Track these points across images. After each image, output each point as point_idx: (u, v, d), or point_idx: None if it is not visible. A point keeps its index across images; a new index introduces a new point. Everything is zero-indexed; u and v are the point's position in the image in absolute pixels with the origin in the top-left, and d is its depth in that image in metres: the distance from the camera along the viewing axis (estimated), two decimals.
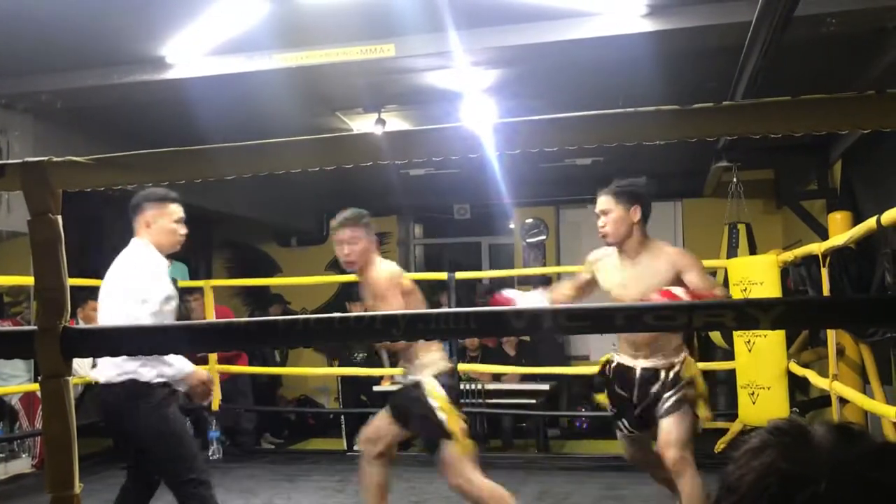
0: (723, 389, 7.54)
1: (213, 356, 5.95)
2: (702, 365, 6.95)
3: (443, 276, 6.07)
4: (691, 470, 3.23)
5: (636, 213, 3.30)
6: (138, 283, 3.16)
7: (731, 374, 5.94)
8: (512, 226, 9.79)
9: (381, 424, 3.62)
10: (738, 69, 4.45)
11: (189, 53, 4.86)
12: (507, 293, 3.34)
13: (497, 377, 6.95)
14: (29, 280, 5.26)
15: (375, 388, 6.91)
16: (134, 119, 6.11)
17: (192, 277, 7.37)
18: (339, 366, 8.01)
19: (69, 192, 1.54)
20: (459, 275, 6.13)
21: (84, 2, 4.16)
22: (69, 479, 1.49)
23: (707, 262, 6.83)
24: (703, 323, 1.36)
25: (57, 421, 1.49)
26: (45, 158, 1.49)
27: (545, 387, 6.86)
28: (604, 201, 3.36)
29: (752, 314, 1.31)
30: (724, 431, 5.82)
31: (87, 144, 5.60)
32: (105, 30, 4.56)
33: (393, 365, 7.41)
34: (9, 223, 5.63)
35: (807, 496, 0.70)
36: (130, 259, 3.29)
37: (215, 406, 5.95)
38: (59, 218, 1.51)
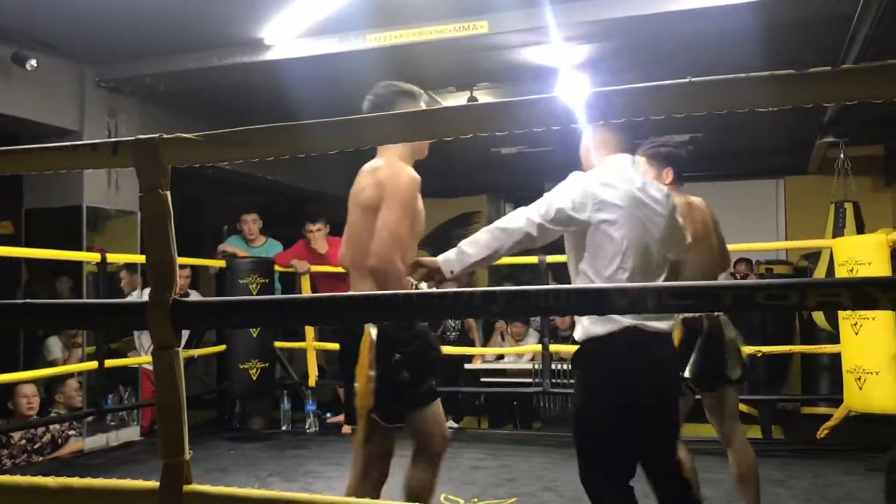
0: (826, 374, 7.26)
1: (309, 333, 6.08)
2: (804, 348, 6.78)
3: (534, 259, 5.48)
4: None
5: None
6: None
7: (835, 358, 5.69)
8: None
9: None
10: (848, 39, 4.24)
11: (286, 35, 4.95)
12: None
13: None
14: (139, 258, 5.46)
15: (467, 367, 6.93)
16: (230, 100, 6.27)
17: None
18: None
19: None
20: (551, 258, 5.39)
21: None
22: (180, 446, 1.54)
23: (811, 243, 6.59)
24: (817, 302, 1.28)
25: (169, 390, 1.54)
26: (157, 135, 1.53)
27: None
28: None
29: (871, 293, 1.21)
30: (825, 417, 5.61)
31: (187, 125, 5.78)
32: (206, 14, 4.69)
33: (484, 344, 7.43)
34: (117, 202, 5.88)
35: None
36: None
37: (311, 382, 6.08)
38: (169, 194, 1.55)
